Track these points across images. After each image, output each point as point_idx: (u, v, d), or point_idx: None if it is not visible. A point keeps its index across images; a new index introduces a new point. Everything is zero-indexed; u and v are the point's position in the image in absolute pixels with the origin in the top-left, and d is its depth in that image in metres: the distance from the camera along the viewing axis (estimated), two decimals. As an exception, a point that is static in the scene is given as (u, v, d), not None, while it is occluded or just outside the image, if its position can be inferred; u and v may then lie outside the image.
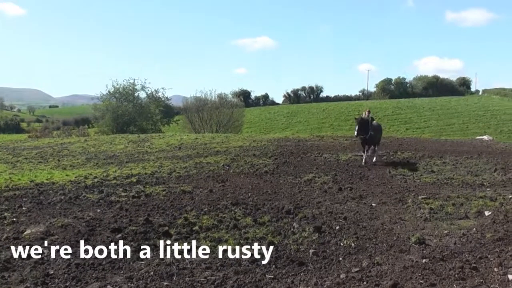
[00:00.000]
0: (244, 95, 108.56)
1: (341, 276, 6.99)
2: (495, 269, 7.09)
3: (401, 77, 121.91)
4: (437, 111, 76.64)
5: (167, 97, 61.04)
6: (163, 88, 60.47)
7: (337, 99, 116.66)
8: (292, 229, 9.55)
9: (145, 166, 19.44)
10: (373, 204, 11.87)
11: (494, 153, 23.45)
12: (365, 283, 6.73)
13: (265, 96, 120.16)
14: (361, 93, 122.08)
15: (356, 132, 20.07)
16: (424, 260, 7.55)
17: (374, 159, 20.90)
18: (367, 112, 22.68)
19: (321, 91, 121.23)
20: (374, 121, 21.75)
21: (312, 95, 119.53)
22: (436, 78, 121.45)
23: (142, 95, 59.52)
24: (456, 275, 6.88)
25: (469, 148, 26.65)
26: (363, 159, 20.42)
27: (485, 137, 35.90)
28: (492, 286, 6.54)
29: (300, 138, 33.66)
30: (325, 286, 6.68)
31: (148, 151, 26.20)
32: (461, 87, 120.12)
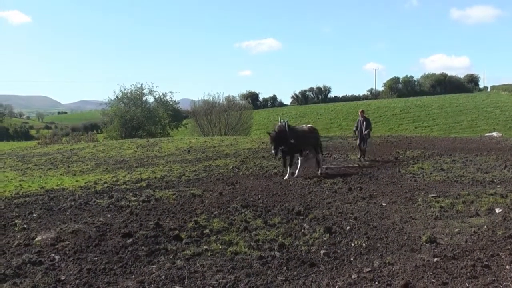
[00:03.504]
0: (252, 97, 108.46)
1: (353, 276, 6.97)
2: (507, 267, 7.05)
3: (408, 76, 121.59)
4: (446, 108, 76.26)
5: (175, 101, 61.07)
6: (171, 92, 60.39)
7: (345, 99, 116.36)
8: (302, 230, 9.53)
9: (155, 170, 19.49)
10: (383, 204, 11.84)
11: (503, 150, 23.40)
12: (376, 283, 6.71)
13: (273, 98, 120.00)
14: (369, 93, 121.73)
15: (273, 151, 17.02)
16: (435, 259, 7.51)
17: (319, 171, 17.93)
18: (360, 113, 22.20)
19: (329, 91, 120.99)
20: (307, 125, 19.74)
21: (320, 95, 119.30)
22: (444, 75, 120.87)
23: (150, 99, 59.72)
24: (468, 274, 6.85)
25: (478, 145, 26.63)
26: (287, 173, 17.04)
27: (495, 134, 35.83)
28: (504, 283, 6.50)
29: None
30: (336, 287, 6.66)
31: (157, 155, 26.26)
32: (469, 84, 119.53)
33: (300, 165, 18.09)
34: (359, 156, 21.62)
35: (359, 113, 22.28)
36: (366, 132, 21.33)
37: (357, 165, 19.86)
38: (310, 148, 18.33)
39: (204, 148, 28.63)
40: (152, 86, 60.80)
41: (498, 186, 13.88)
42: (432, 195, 12.54)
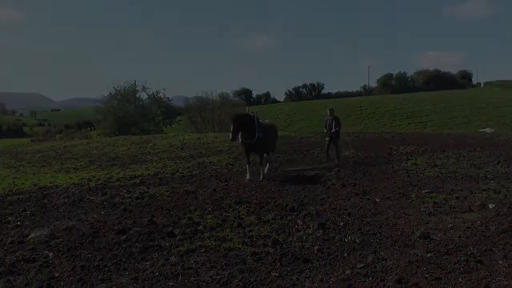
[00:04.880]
0: (246, 93, 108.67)
1: (346, 272, 6.98)
2: (500, 262, 7.09)
3: (402, 72, 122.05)
4: (439, 104, 76.31)
5: (168, 98, 61.14)
6: (164, 89, 60.40)
7: (339, 95, 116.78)
8: (296, 226, 9.53)
9: (148, 167, 19.46)
10: (377, 200, 11.86)
11: (497, 145, 23.49)
12: (370, 278, 6.73)
13: (267, 94, 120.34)
14: (362, 89, 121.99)
15: (231, 135, 15.01)
16: (429, 254, 7.54)
17: (266, 169, 16.42)
18: (329, 111, 19.98)
19: (323, 87, 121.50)
20: (267, 120, 18.22)
21: (314, 92, 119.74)
22: (437, 71, 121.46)
23: (144, 96, 59.71)
24: (461, 269, 6.88)
25: (471, 141, 26.68)
26: (247, 174, 15.69)
27: (488, 130, 35.91)
28: (497, 278, 6.53)
29: (303, 136, 33.68)
30: (330, 283, 6.68)
31: (150, 152, 26.19)
32: (463, 80, 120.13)
33: (267, 166, 16.75)
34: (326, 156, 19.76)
35: (328, 111, 20.01)
36: (334, 130, 19.35)
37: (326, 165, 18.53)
38: (271, 146, 17.01)
39: (198, 144, 28.58)
40: (145, 83, 60.88)
41: (491, 181, 13.94)
42: (426, 191, 12.57)
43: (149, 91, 59.17)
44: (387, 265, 7.19)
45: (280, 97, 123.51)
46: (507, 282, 6.40)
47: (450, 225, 9.21)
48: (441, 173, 15.77)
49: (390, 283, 6.51)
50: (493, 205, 10.57)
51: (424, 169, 16.68)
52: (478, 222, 9.35)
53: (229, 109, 57.43)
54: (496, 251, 7.57)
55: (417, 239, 8.39)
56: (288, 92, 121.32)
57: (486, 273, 6.70)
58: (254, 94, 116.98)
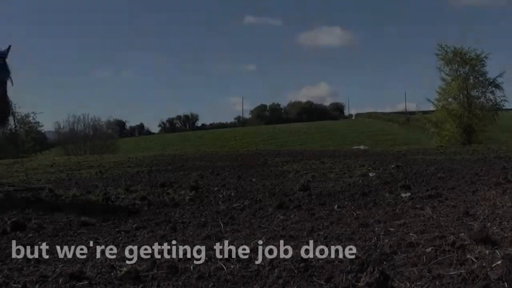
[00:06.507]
0: (119, 125, 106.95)
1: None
2: (387, 194, 7.21)
3: (275, 103, 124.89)
4: (313, 134, 78.54)
5: (38, 123, 58.19)
6: (33, 113, 57.24)
7: (213, 127, 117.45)
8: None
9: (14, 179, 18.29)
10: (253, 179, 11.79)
11: (370, 155, 24.14)
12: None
13: (141, 126, 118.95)
14: (236, 120, 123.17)
15: None
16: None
17: None
18: None
19: (197, 119, 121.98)
20: None
21: (188, 124, 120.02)
22: (309, 103, 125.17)
23: (11, 121, 56.70)
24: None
25: (346, 153, 27.32)
26: None
27: (361, 147, 37.11)
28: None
29: (176, 153, 33.30)
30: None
31: (18, 170, 24.82)
32: (335, 112, 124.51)
33: None
34: None
35: None
36: None
37: None
38: None
39: (68, 164, 27.42)
40: (14, 106, 58.25)
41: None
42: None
43: (17, 115, 56.38)
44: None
45: (155, 128, 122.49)
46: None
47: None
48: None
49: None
50: (374, 173, 10.92)
51: (300, 172, 16.67)
52: (360, 181, 9.50)
53: (102, 143, 56.44)
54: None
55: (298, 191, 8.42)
56: (161, 124, 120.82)
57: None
58: (128, 125, 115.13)
